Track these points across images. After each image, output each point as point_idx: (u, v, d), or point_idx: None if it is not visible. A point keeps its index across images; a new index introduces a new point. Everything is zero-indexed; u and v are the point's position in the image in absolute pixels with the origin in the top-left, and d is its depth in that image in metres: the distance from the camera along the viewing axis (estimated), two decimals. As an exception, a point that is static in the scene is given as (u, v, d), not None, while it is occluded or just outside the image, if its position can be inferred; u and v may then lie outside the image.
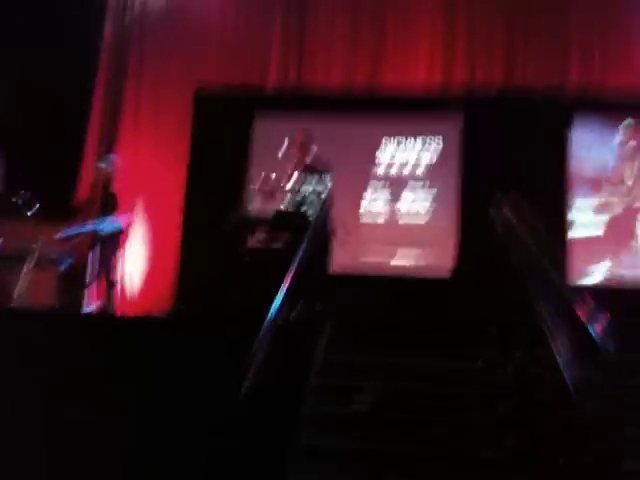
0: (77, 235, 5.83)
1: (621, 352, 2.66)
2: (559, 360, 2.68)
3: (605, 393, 2.62)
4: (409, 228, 7.48)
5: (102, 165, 6.31)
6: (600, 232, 7.18)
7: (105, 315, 5.57)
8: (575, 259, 7.09)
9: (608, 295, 6.69)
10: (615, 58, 7.34)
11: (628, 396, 2.64)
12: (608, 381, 2.63)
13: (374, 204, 7.57)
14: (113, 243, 5.97)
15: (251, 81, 7.79)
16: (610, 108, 7.25)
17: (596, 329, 2.69)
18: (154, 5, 7.99)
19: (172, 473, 3.56)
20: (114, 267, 6.10)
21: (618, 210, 7.23)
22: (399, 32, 7.69)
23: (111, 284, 5.91)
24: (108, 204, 6.07)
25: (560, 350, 2.73)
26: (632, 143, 7.32)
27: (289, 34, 7.88)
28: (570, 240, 7.14)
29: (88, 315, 5.65)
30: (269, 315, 3.33)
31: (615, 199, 7.26)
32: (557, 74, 7.41)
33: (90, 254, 6.07)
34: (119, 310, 6.60)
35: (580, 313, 2.85)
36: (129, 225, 6.63)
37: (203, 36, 7.87)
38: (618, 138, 7.33)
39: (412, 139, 7.67)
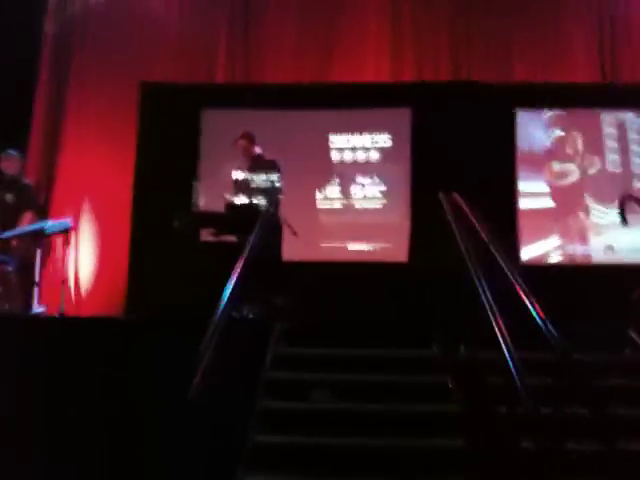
0: (23, 234, 5.66)
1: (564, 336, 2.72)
2: (503, 345, 2.72)
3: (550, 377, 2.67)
4: (363, 221, 7.53)
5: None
6: (548, 206, 7.38)
7: (55, 316, 5.43)
8: (525, 237, 7.30)
9: (558, 271, 7.00)
10: (553, 57, 7.55)
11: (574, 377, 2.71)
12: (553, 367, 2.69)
13: (324, 201, 7.59)
14: None
15: (198, 79, 7.72)
16: (548, 98, 7.45)
17: (538, 313, 2.75)
18: (97, 1, 7.83)
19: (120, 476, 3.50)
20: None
21: (563, 185, 7.43)
22: (347, 31, 7.74)
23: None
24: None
25: (504, 335, 2.77)
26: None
27: (236, 32, 7.83)
28: (520, 216, 7.34)
29: (38, 316, 5.49)
30: (218, 309, 3.28)
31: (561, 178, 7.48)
32: (501, 73, 7.56)
33: (37, 253, 5.92)
34: (70, 310, 6.47)
35: (524, 297, 2.91)
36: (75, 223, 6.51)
37: (148, 33, 7.75)
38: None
39: (360, 135, 7.72)
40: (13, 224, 5.66)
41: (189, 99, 7.54)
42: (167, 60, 7.75)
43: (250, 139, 5.79)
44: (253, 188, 5.37)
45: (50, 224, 5.81)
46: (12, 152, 5.96)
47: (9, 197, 5.81)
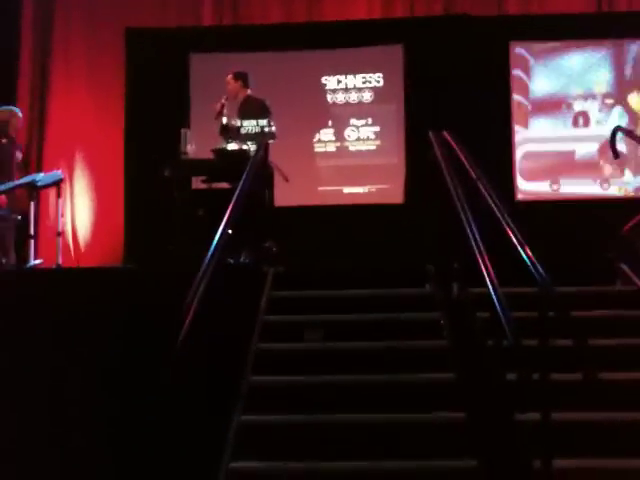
0: (15, 188, 5.66)
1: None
2: (488, 282, 2.75)
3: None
4: (358, 163, 7.47)
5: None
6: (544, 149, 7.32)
7: (52, 268, 5.48)
8: (520, 174, 7.28)
9: (552, 208, 7.01)
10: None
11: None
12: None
13: (318, 144, 7.51)
14: None
15: (185, 23, 7.56)
16: (544, 29, 7.29)
17: (527, 253, 2.77)
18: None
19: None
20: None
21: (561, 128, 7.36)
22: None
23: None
24: None
25: (490, 271, 2.80)
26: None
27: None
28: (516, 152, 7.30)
29: (34, 269, 5.54)
30: (209, 253, 3.31)
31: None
32: (494, 6, 7.39)
33: (32, 206, 5.93)
34: (68, 263, 6.52)
35: (512, 236, 2.92)
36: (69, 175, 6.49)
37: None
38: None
39: (352, 75, 7.59)
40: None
41: (176, 44, 7.41)
42: (153, 5, 7.58)
43: (243, 80, 5.67)
44: (243, 134, 5.32)
45: (41, 176, 5.80)
46: None
47: None
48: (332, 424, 3.19)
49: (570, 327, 2.59)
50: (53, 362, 3.88)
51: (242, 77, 5.71)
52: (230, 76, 5.70)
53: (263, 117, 5.39)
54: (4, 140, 5.68)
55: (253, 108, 5.51)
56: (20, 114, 6.05)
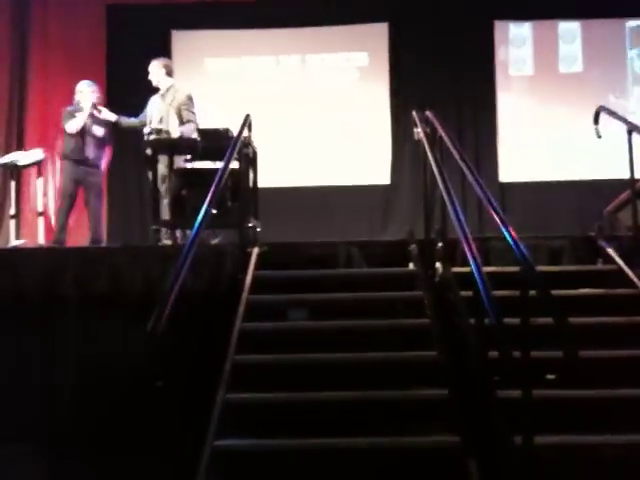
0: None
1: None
2: (471, 261, 2.76)
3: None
4: (344, 146, 7.42)
5: None
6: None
7: (32, 248, 5.43)
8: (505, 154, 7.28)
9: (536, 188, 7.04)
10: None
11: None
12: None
13: (302, 128, 7.44)
14: None
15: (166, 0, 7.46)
16: (531, 9, 7.28)
17: (509, 234, 2.77)
18: None
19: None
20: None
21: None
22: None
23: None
24: None
25: (472, 250, 2.81)
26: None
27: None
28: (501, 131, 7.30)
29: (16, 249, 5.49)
30: (192, 232, 3.29)
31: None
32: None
33: (11, 186, 5.87)
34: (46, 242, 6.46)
35: (495, 215, 2.93)
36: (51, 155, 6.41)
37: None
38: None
39: (337, 54, 7.53)
40: None
41: (157, 21, 7.32)
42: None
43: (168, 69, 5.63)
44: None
45: (21, 155, 5.73)
46: None
47: None
48: (315, 402, 3.20)
49: (551, 306, 2.60)
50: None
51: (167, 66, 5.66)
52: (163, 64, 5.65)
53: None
54: None
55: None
56: None
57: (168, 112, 5.40)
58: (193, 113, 5.43)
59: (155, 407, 2.58)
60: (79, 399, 3.93)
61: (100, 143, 5.66)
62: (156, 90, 5.61)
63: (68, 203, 5.58)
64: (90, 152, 5.57)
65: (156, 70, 5.56)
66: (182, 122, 5.35)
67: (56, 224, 5.65)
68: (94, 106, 5.60)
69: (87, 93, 5.60)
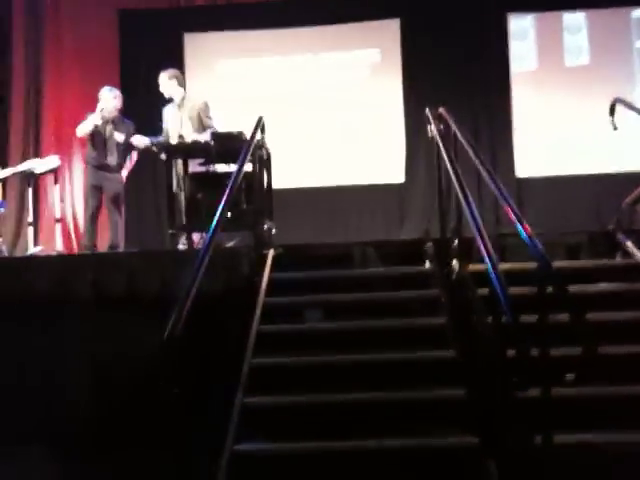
0: (11, 175, 5.65)
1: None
2: (487, 258, 2.74)
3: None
4: (358, 144, 7.39)
5: None
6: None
7: (50, 255, 5.48)
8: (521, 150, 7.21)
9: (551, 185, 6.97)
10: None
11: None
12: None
13: (316, 128, 7.43)
14: None
15: (178, 3, 7.51)
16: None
17: (525, 231, 2.75)
18: None
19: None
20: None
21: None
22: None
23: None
24: None
25: (488, 248, 2.79)
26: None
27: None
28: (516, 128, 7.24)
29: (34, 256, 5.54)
30: (208, 236, 3.30)
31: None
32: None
33: (29, 193, 5.93)
34: (69, 249, 6.53)
35: (511, 212, 2.90)
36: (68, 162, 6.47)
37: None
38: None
39: (349, 52, 7.51)
40: None
41: (170, 24, 7.36)
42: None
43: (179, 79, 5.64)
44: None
45: (38, 162, 5.78)
46: None
47: None
48: (333, 404, 3.20)
49: (569, 302, 2.58)
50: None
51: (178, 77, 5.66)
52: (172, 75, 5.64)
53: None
54: None
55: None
56: None
57: (188, 121, 5.42)
58: (211, 119, 5.46)
59: (173, 412, 2.58)
60: (95, 401, 3.96)
61: (123, 149, 5.67)
62: (169, 99, 5.62)
63: (92, 209, 5.60)
64: (111, 158, 5.58)
65: (166, 82, 5.56)
66: (203, 129, 5.36)
67: (84, 230, 5.70)
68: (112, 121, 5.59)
69: (108, 99, 5.62)
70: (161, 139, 5.51)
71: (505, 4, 7.30)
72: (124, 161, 5.73)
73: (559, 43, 7.34)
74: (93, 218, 5.59)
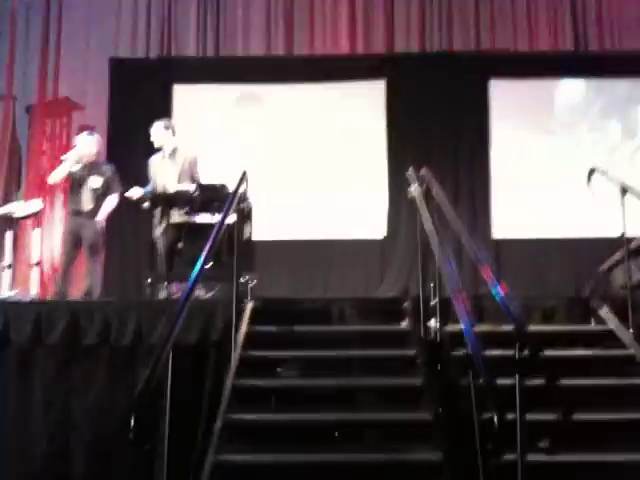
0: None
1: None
2: (463, 320, 2.76)
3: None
4: (340, 198, 7.47)
5: None
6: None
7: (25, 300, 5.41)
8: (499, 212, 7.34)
9: (530, 245, 7.06)
10: (525, 25, 7.54)
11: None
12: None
13: (299, 178, 7.52)
14: None
15: (168, 55, 7.65)
16: (524, 68, 7.46)
17: (501, 292, 2.78)
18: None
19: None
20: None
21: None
22: (318, 3, 7.67)
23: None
24: None
25: (465, 309, 2.81)
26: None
27: (206, 6, 7.73)
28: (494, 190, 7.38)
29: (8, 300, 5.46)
30: (188, 286, 3.28)
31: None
32: (474, 42, 7.55)
33: (7, 237, 5.87)
34: (44, 294, 6.44)
35: (486, 274, 2.94)
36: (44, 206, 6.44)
37: (118, 8, 7.62)
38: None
39: (335, 109, 7.66)
40: None
41: (160, 74, 7.49)
42: (137, 36, 7.67)
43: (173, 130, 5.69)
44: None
45: (19, 206, 5.75)
46: None
47: None
48: (306, 464, 3.14)
49: (544, 366, 2.59)
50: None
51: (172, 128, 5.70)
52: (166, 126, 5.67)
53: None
54: None
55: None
56: None
57: (176, 172, 5.44)
58: (198, 173, 5.51)
59: (142, 469, 2.53)
60: (60, 452, 3.85)
61: (100, 194, 5.59)
62: (154, 149, 5.63)
63: (68, 255, 5.53)
64: (85, 204, 5.53)
65: (162, 132, 5.55)
66: (191, 181, 5.39)
67: (58, 276, 5.61)
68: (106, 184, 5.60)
69: (86, 144, 5.60)
70: (148, 189, 5.50)
71: (487, 70, 7.53)
72: (100, 206, 5.59)
73: (540, 108, 7.56)
74: (68, 266, 5.51)
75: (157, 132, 5.56)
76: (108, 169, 5.68)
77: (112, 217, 6.84)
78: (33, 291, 5.72)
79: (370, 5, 7.68)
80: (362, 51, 7.64)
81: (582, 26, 7.59)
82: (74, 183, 5.57)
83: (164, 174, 5.49)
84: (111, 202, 5.64)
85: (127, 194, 5.38)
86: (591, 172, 4.65)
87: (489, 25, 7.61)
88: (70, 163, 5.52)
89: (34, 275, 5.89)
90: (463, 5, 7.61)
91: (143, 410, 2.51)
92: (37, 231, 5.95)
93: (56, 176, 5.58)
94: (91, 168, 5.59)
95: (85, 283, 5.52)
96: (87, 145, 5.61)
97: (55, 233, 7.26)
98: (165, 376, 2.68)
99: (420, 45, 7.64)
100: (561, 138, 7.55)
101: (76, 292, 5.70)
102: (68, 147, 7.28)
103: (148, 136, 5.86)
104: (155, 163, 5.59)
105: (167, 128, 5.59)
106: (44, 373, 4.03)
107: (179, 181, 5.43)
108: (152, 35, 7.70)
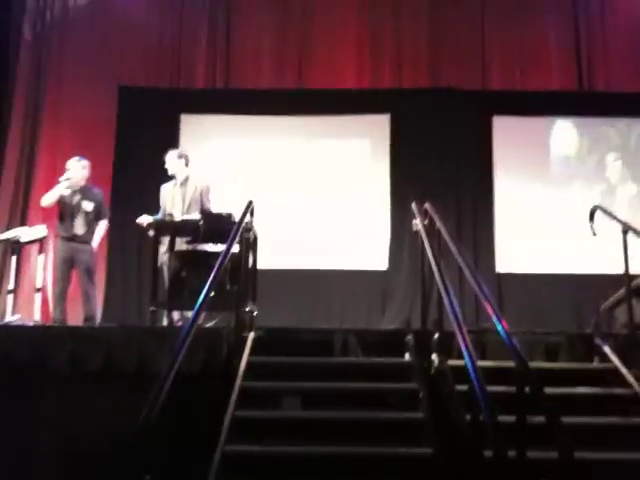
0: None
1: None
2: (466, 355, 2.76)
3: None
4: (343, 229, 7.50)
5: None
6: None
7: (26, 325, 5.41)
8: (502, 246, 7.35)
9: (534, 281, 7.05)
10: (530, 64, 7.63)
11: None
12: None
13: (303, 208, 7.57)
14: None
15: (177, 84, 7.74)
16: (528, 106, 7.53)
17: (503, 328, 2.79)
18: (76, 4, 7.81)
19: None
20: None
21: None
22: (326, 38, 7.77)
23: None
24: None
25: (467, 344, 2.81)
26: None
27: (216, 38, 7.85)
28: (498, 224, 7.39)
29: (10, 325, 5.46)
30: (191, 317, 3.29)
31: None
32: (478, 79, 7.63)
33: (12, 261, 5.89)
34: (47, 319, 6.43)
35: (490, 309, 2.95)
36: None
37: (128, 38, 7.75)
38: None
39: (340, 142, 7.73)
40: None
41: (168, 104, 7.57)
42: (147, 65, 7.77)
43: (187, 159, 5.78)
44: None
45: (24, 231, 5.78)
46: None
47: None
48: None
49: (546, 404, 2.58)
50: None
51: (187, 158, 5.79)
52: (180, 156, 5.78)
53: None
54: None
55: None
56: None
57: (191, 201, 5.51)
58: (210, 202, 5.61)
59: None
60: (61, 476, 3.82)
61: (90, 219, 5.65)
62: (160, 178, 5.72)
63: (62, 282, 5.55)
64: (79, 229, 5.57)
65: (175, 160, 5.68)
66: (202, 210, 5.45)
67: (53, 303, 5.62)
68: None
69: (77, 169, 5.68)
70: (160, 217, 5.56)
71: (491, 107, 7.61)
72: (93, 231, 5.69)
73: (543, 143, 7.63)
74: (63, 293, 5.52)
75: (171, 161, 5.68)
76: (99, 193, 5.81)
77: (114, 243, 6.91)
78: (35, 316, 5.71)
79: (377, 41, 7.78)
80: (368, 85, 7.71)
81: (586, 66, 7.68)
82: (65, 208, 5.63)
83: (173, 202, 5.57)
84: (102, 227, 5.73)
85: (138, 220, 5.43)
86: (593, 210, 4.69)
87: (494, 62, 7.70)
88: (63, 186, 5.58)
89: (37, 301, 5.87)
90: (470, 43, 7.71)
91: (145, 439, 2.50)
92: (41, 257, 5.95)
93: (49, 199, 5.64)
94: (83, 192, 5.66)
95: (84, 308, 5.53)
96: (78, 170, 5.69)
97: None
98: (167, 404, 2.67)
99: (426, 81, 7.71)
100: (566, 175, 7.61)
101: (73, 318, 5.71)
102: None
103: (153, 164, 5.94)
104: (166, 190, 5.68)
105: (180, 157, 5.69)
106: (45, 398, 4.02)
107: (188, 209, 5.51)
108: (161, 66, 7.80)
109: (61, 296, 5.50)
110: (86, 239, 5.61)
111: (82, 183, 5.72)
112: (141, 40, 7.79)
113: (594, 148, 7.61)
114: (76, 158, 5.82)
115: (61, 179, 5.67)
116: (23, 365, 4.08)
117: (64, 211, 5.63)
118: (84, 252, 5.56)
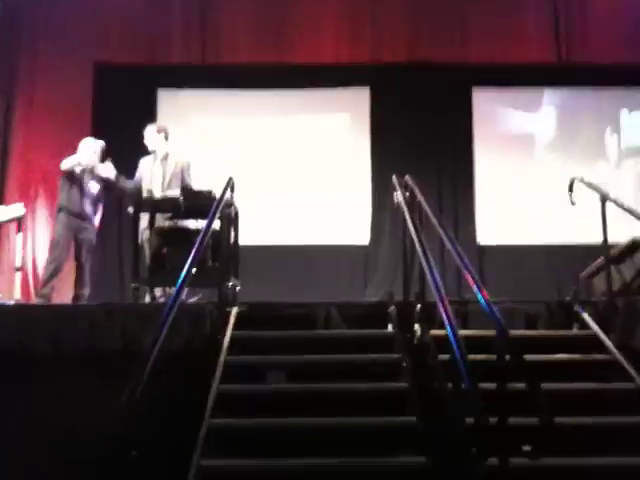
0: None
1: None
2: (447, 325, 2.79)
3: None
4: (324, 204, 7.50)
5: None
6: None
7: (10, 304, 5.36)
8: (483, 218, 7.38)
9: (514, 251, 7.13)
10: (509, 37, 7.61)
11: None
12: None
13: (284, 183, 7.52)
14: None
15: (153, 60, 7.61)
16: (507, 78, 7.53)
17: (484, 298, 2.82)
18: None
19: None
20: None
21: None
22: (305, 12, 7.66)
23: None
24: None
25: (449, 315, 2.84)
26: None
27: (191, 12, 7.72)
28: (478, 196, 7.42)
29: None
30: (174, 293, 3.28)
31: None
32: (458, 53, 7.59)
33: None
34: (27, 299, 6.39)
35: (470, 279, 2.98)
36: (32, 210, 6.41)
37: (102, 14, 7.57)
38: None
39: (319, 115, 7.69)
40: None
41: (144, 80, 7.47)
42: (122, 41, 7.62)
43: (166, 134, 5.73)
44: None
45: (2, 210, 5.71)
46: None
47: None
48: (292, 470, 3.15)
49: (526, 371, 2.63)
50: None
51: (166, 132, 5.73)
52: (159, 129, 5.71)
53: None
54: None
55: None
56: None
57: (171, 177, 5.45)
58: (190, 178, 5.55)
59: (128, 475, 2.52)
60: (47, 460, 3.82)
61: (95, 200, 5.66)
62: (137, 153, 5.65)
63: (61, 255, 5.48)
64: (87, 206, 5.57)
65: (154, 134, 5.61)
66: (183, 186, 5.40)
67: (43, 277, 5.56)
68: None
69: (91, 149, 5.65)
70: (130, 183, 5.52)
71: (470, 80, 7.60)
72: (97, 211, 5.71)
73: (523, 116, 7.66)
74: (58, 268, 5.47)
75: (150, 135, 5.62)
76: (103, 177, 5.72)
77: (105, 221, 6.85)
78: (16, 296, 5.66)
79: (356, 15, 7.70)
80: (348, 60, 7.65)
81: (565, 38, 7.68)
82: (74, 184, 5.55)
83: (152, 178, 5.51)
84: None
85: (100, 168, 5.38)
86: (572, 181, 4.72)
87: (473, 36, 7.66)
88: (81, 159, 5.53)
89: (17, 280, 5.82)
90: (449, 17, 7.66)
91: (130, 415, 2.51)
92: (20, 236, 5.88)
93: (69, 163, 5.55)
94: (92, 173, 5.59)
95: (76, 286, 5.49)
96: (92, 150, 5.65)
97: (37, 238, 7.22)
98: (152, 381, 2.67)
99: (405, 55, 7.66)
100: (545, 146, 7.66)
101: (59, 296, 5.67)
102: (50, 154, 7.28)
103: (132, 141, 5.87)
104: (145, 165, 5.62)
105: (160, 131, 5.62)
106: (29, 379, 4.00)
107: (169, 185, 5.46)
108: (136, 41, 7.66)
109: (55, 271, 5.44)
110: (91, 218, 5.63)
111: (94, 164, 5.63)
112: (116, 15, 7.62)
113: (572, 119, 7.65)
114: (92, 139, 5.75)
115: (73, 158, 5.58)
116: (5, 345, 4.05)
117: (73, 187, 5.56)
118: (89, 231, 5.58)
